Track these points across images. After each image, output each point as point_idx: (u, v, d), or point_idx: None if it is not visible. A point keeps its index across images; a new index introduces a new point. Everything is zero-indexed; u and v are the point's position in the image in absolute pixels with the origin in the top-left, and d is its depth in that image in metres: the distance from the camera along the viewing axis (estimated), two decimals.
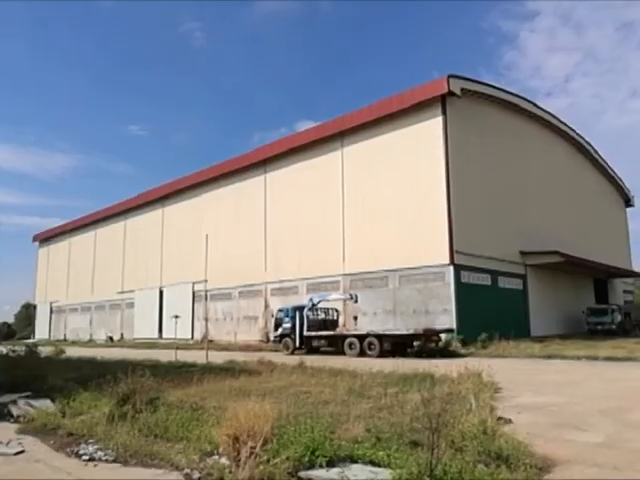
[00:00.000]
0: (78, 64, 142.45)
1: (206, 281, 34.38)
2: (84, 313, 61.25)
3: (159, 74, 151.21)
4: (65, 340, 58.35)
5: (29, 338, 64.04)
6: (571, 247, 37.19)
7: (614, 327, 38.54)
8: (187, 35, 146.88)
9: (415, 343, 24.79)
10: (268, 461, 5.63)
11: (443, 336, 25.89)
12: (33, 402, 10.59)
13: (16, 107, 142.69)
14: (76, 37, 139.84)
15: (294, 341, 28.43)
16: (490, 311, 29.99)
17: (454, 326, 27.95)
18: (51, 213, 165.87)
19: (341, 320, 31.53)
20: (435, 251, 29.37)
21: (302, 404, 9.56)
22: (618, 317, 39.74)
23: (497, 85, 36.34)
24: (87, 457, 6.83)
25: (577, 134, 46.73)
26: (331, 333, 27.72)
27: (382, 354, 23.50)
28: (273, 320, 32.09)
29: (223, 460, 6.04)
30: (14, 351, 19.54)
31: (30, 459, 6.97)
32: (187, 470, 6.03)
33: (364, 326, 29.65)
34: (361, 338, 25.22)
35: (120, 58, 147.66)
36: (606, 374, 15.58)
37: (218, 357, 21.85)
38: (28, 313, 79.06)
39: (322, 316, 29.86)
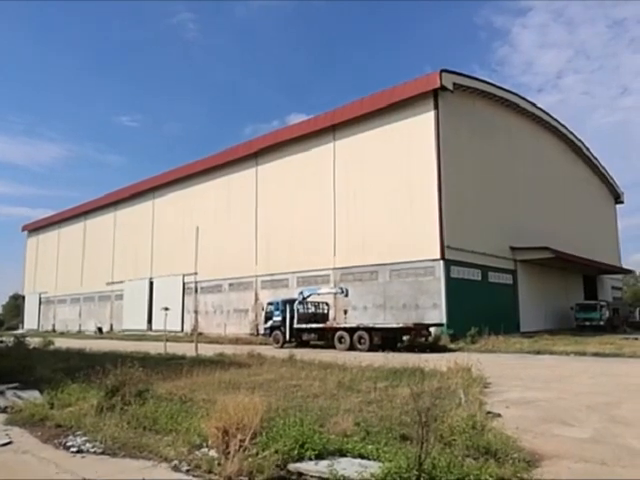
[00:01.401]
0: (69, 53, 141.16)
1: (196, 273, 34.23)
2: (73, 304, 60.92)
3: (151, 64, 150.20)
4: (54, 331, 58.07)
5: (17, 329, 63.64)
6: (561, 243, 37.44)
7: (602, 323, 38.90)
8: (180, 26, 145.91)
9: (405, 337, 24.87)
10: (257, 454, 5.63)
11: (433, 330, 26.03)
12: (21, 393, 10.52)
13: (5, 96, 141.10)
14: (68, 26, 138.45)
15: (284, 334, 28.49)
16: (480, 306, 30.13)
17: (444, 321, 28.11)
18: (42, 203, 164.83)
19: (331, 314, 31.56)
20: (426, 246, 29.43)
21: (291, 397, 9.56)
22: (606, 313, 40.14)
23: (489, 80, 36.40)
24: (75, 449, 6.79)
25: (568, 131, 46.95)
26: (321, 326, 27.71)
27: (372, 348, 23.55)
28: (263, 313, 32.08)
29: (212, 452, 6.02)
30: (2, 342, 19.40)
31: (18, 450, 6.91)
32: (176, 462, 6.01)
33: (354, 320, 29.67)
34: (351, 332, 25.26)
35: (111, 47, 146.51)
36: (594, 370, 15.70)
37: (208, 350, 21.80)
38: (16, 304, 78.54)
39: (312, 310, 29.89)
